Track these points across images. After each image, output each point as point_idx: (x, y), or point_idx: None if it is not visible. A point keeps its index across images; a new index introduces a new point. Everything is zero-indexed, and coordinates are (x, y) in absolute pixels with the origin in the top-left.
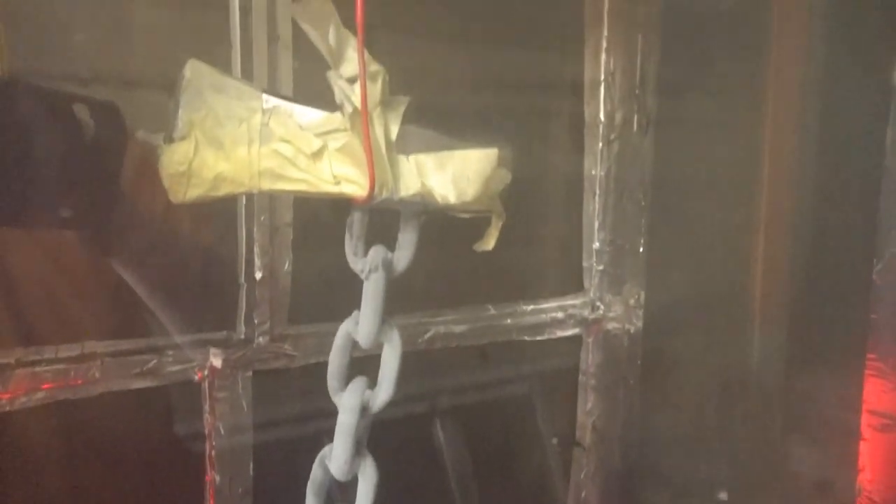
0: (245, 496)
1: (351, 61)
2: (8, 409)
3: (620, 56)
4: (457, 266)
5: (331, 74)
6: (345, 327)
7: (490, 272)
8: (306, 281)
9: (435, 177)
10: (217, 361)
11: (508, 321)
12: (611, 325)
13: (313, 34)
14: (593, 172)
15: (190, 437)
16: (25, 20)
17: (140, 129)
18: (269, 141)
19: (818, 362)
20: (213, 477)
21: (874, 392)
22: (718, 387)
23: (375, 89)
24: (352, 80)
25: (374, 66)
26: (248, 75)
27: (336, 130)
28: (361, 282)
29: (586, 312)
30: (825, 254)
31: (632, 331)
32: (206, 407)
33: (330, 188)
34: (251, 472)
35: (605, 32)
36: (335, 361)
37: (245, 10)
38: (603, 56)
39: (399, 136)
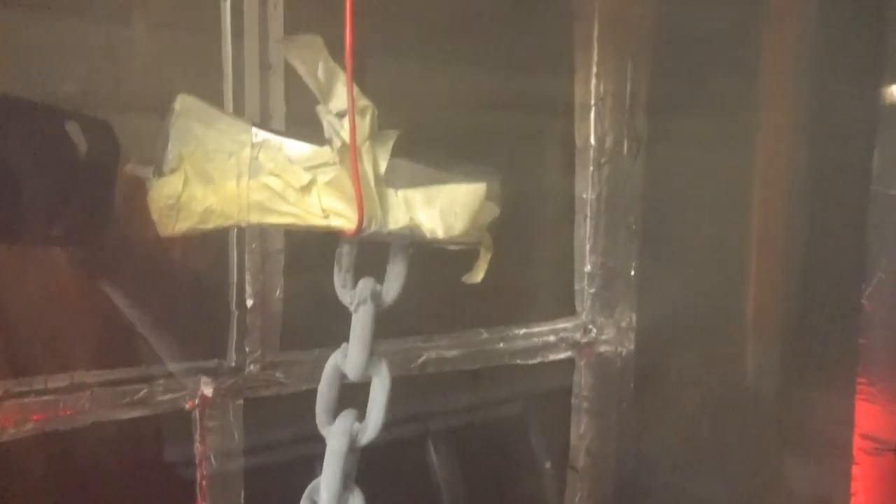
0: None
1: (340, 96)
2: None
3: (610, 81)
4: (449, 291)
5: (320, 109)
6: (333, 360)
7: (482, 296)
8: (298, 307)
9: (423, 211)
10: (208, 390)
11: (501, 345)
12: (603, 348)
13: (302, 70)
14: (584, 196)
15: (181, 465)
16: (19, 44)
17: (129, 162)
18: (258, 174)
19: (811, 383)
20: None
21: (865, 416)
22: (711, 408)
23: (364, 124)
24: (341, 115)
25: (362, 102)
26: (239, 102)
27: (325, 164)
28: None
29: (578, 336)
30: (817, 274)
31: (624, 353)
32: (197, 435)
33: (319, 221)
34: (242, 501)
35: (595, 58)
36: (323, 395)
37: (237, 38)
38: (593, 81)
39: (387, 169)
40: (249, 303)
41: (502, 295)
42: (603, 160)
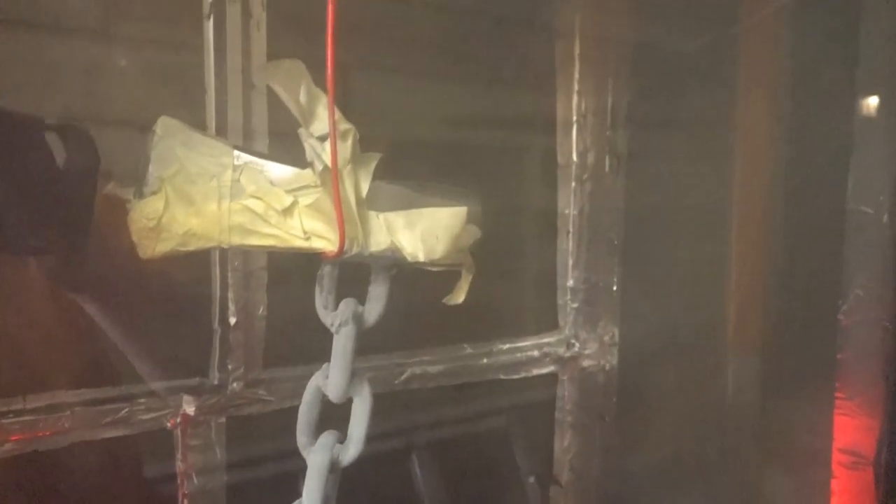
0: None
1: (322, 120)
2: None
3: (592, 98)
4: (431, 306)
5: (302, 132)
6: (314, 381)
7: (465, 312)
8: (280, 325)
9: (404, 234)
10: (190, 409)
11: (485, 360)
12: (586, 363)
13: (284, 95)
14: (567, 212)
15: (162, 483)
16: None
17: (110, 183)
18: (239, 197)
19: (790, 398)
20: None
21: (843, 430)
22: (693, 422)
23: (346, 147)
24: (322, 139)
25: (344, 125)
26: (222, 120)
27: (307, 187)
28: None
29: (562, 350)
30: (795, 290)
31: (607, 367)
32: (179, 454)
33: (300, 243)
34: None
35: (577, 75)
36: (304, 416)
37: (220, 56)
38: (575, 98)
39: (369, 192)
40: (232, 320)
41: (485, 310)
42: (585, 176)
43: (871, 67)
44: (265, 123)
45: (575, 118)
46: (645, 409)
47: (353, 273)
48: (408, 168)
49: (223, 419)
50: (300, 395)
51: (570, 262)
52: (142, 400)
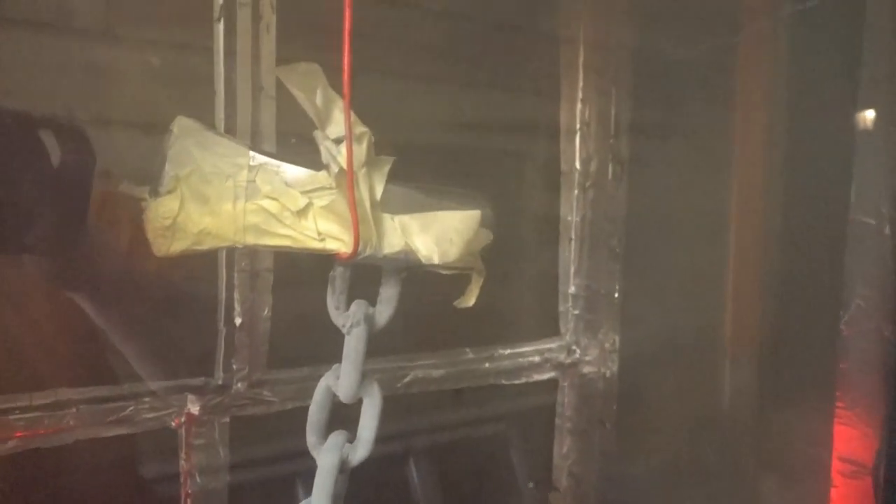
0: None
1: (337, 123)
2: None
3: (595, 106)
4: (434, 310)
5: (317, 134)
6: (324, 382)
7: (467, 316)
8: (284, 325)
9: (419, 238)
10: (194, 408)
11: (486, 365)
12: (587, 369)
13: (301, 97)
14: (569, 218)
15: (165, 482)
16: (9, 60)
17: (124, 181)
18: (254, 197)
19: (790, 406)
20: None
21: (843, 440)
22: (693, 430)
23: (361, 150)
24: (338, 141)
25: (360, 128)
26: (231, 121)
27: (322, 189)
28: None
29: (562, 356)
30: (796, 300)
31: (607, 374)
32: (182, 454)
33: (314, 244)
34: None
35: (581, 83)
36: (314, 416)
37: (230, 58)
38: (578, 105)
39: (383, 194)
40: (238, 321)
41: (487, 315)
42: (587, 184)
43: (873, 78)
44: (273, 125)
45: (578, 126)
46: (645, 416)
47: (360, 274)
48: (412, 172)
49: (227, 419)
50: (303, 397)
51: (572, 269)
52: (146, 399)
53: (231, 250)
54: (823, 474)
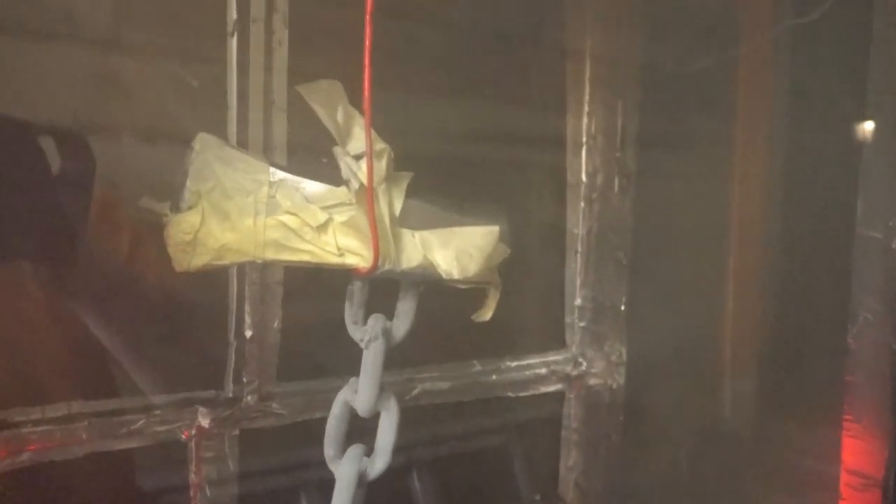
0: None
1: (358, 139)
2: None
3: (601, 119)
4: (441, 323)
5: (337, 150)
6: (342, 396)
7: (474, 328)
8: (294, 338)
9: (439, 253)
10: (205, 421)
11: (494, 377)
12: (593, 381)
13: (322, 113)
14: (575, 231)
15: (174, 495)
16: (21, 71)
17: (144, 196)
18: (275, 213)
19: (798, 419)
20: None
21: (852, 452)
22: (700, 442)
23: (381, 166)
24: (358, 157)
25: (380, 145)
26: (243, 134)
27: (341, 204)
28: (349, 339)
29: (569, 368)
30: (803, 313)
31: (614, 386)
32: (192, 466)
33: (334, 259)
34: None
35: (587, 97)
36: (332, 430)
37: (243, 72)
38: (584, 119)
39: (402, 210)
40: (248, 333)
41: (494, 327)
42: (594, 196)
43: (879, 92)
44: (284, 138)
45: (584, 139)
46: (652, 427)
47: (373, 285)
48: (419, 183)
49: (236, 432)
50: (313, 410)
51: (578, 281)
52: (157, 412)
53: (242, 264)
54: (831, 486)
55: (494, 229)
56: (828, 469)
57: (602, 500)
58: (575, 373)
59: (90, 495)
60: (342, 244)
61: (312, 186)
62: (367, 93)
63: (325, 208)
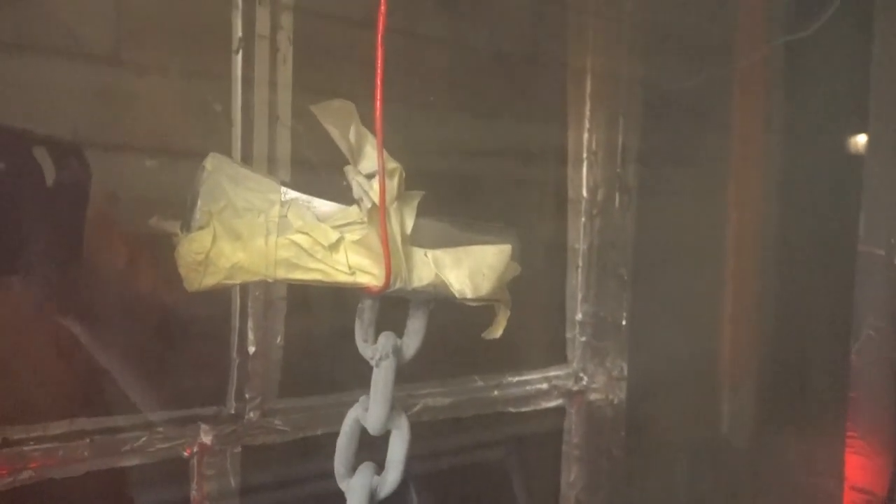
0: None
1: (370, 158)
2: None
3: (602, 135)
4: (443, 338)
5: (349, 169)
6: (353, 413)
7: (475, 344)
8: (296, 354)
9: (452, 272)
10: (207, 438)
11: (495, 393)
12: (594, 397)
13: (334, 133)
14: (576, 246)
15: None
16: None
17: (154, 216)
18: (286, 232)
19: (802, 435)
20: None
21: (855, 469)
22: (701, 457)
23: (392, 185)
24: (370, 176)
25: (391, 164)
26: (247, 150)
27: (353, 223)
28: (352, 355)
29: (570, 384)
30: (807, 330)
31: (615, 402)
32: (194, 483)
33: (345, 278)
34: None
35: (588, 113)
36: (343, 448)
37: (248, 88)
38: (585, 135)
39: (413, 228)
40: (251, 350)
41: (495, 342)
42: (595, 211)
43: (881, 105)
44: (288, 154)
45: (585, 155)
46: (653, 443)
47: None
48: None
49: (239, 448)
50: (316, 426)
51: (579, 296)
52: (159, 429)
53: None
54: (836, 502)
55: (506, 247)
56: (831, 486)
57: None
58: (576, 388)
59: None
60: (354, 263)
61: (324, 205)
62: (378, 112)
63: (336, 227)
